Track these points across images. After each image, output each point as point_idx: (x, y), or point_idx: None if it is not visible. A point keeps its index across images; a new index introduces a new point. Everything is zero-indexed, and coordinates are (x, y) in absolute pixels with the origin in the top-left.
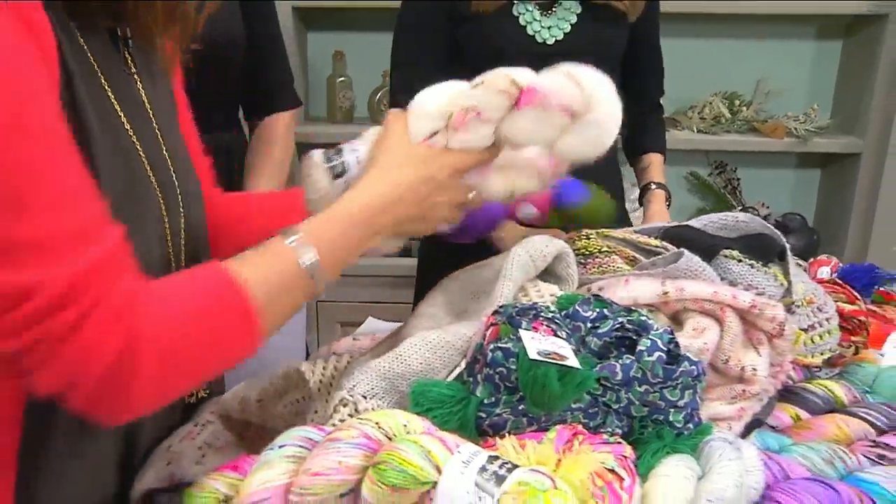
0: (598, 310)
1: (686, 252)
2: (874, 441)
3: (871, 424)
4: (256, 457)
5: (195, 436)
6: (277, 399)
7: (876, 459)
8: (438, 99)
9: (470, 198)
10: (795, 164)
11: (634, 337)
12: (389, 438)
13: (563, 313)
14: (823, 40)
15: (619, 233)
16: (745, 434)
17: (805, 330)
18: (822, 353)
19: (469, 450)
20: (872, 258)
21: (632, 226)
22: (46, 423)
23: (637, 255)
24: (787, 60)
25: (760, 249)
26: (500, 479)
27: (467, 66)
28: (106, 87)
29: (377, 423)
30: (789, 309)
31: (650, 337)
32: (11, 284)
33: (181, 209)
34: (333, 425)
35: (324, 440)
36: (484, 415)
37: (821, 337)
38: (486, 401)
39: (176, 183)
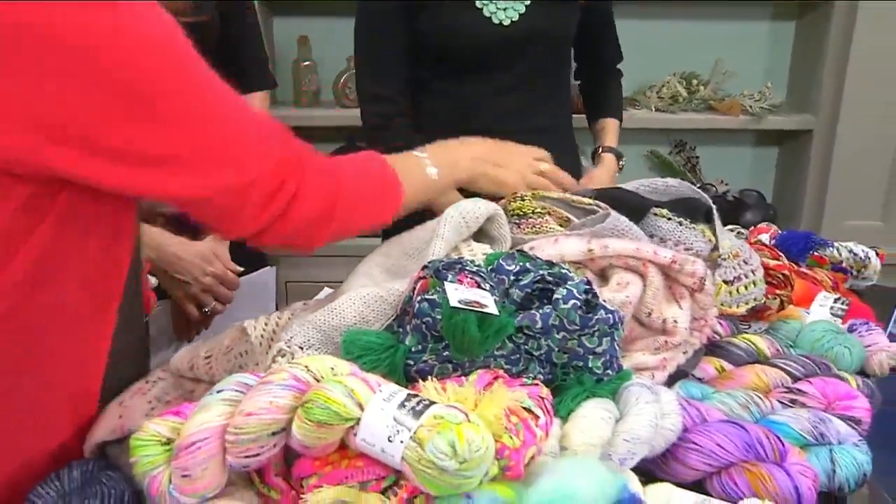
0: (521, 264)
1: (613, 212)
2: (788, 388)
3: (789, 374)
4: (196, 403)
5: (146, 391)
6: (223, 355)
7: (788, 404)
8: None
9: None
10: (753, 141)
11: (554, 288)
12: (318, 380)
13: (489, 268)
14: (778, 21)
15: (554, 194)
16: (669, 384)
17: (730, 282)
18: (746, 303)
19: (390, 388)
20: (826, 232)
21: None
22: None
23: (571, 217)
24: (743, 41)
25: (689, 210)
26: (417, 414)
27: (429, 54)
28: None
29: (306, 367)
30: (716, 262)
31: (567, 287)
32: (238, 184)
33: None
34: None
35: (257, 383)
36: (412, 362)
37: (746, 288)
38: (413, 349)
39: None
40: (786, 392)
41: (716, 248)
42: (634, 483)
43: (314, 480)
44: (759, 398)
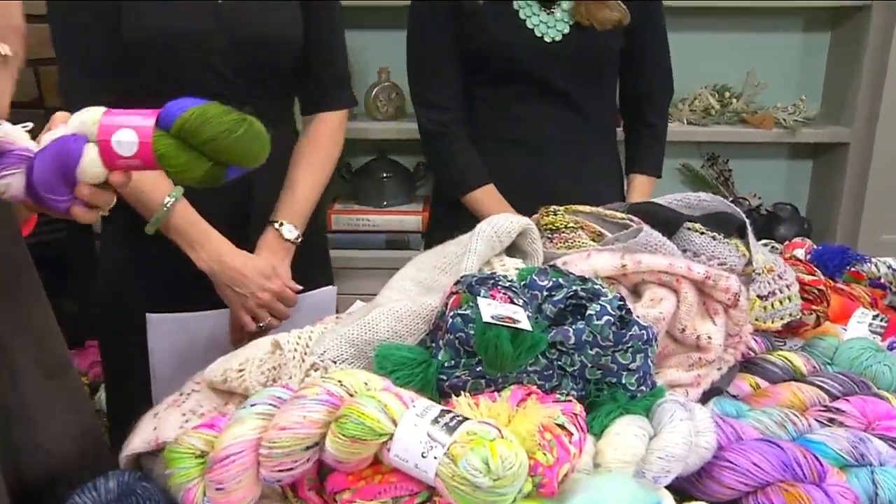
0: (554, 279)
1: (646, 227)
2: (826, 406)
3: (826, 391)
4: (230, 416)
5: (180, 403)
6: (256, 368)
7: (826, 423)
8: None
9: None
10: (787, 154)
11: (587, 304)
12: (351, 395)
13: (521, 283)
14: (811, 32)
15: (586, 208)
16: (703, 401)
17: (765, 297)
18: (781, 319)
19: (423, 404)
20: (863, 247)
21: None
22: None
23: (603, 231)
24: (775, 53)
25: (722, 225)
26: (450, 430)
27: (472, 62)
28: None
29: (340, 381)
30: (750, 277)
31: (600, 302)
32: None
33: None
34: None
35: (291, 397)
36: (444, 377)
37: (780, 303)
38: (446, 364)
39: None
40: (823, 411)
41: (749, 262)
42: (668, 501)
43: (347, 495)
44: (796, 416)
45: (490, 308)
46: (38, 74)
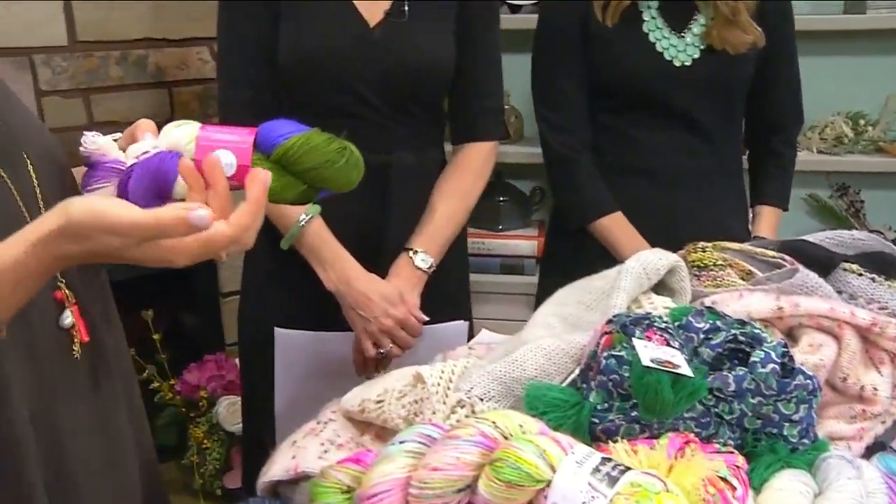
0: (710, 321)
1: (801, 268)
2: None
3: None
4: (378, 451)
5: (318, 432)
6: (395, 400)
7: None
8: None
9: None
10: None
11: (747, 349)
12: (506, 437)
13: (675, 324)
14: None
15: (735, 245)
16: (866, 456)
17: None
18: None
19: (583, 450)
20: None
21: None
22: None
23: (753, 270)
24: None
25: (880, 265)
26: (612, 480)
27: (596, 86)
28: None
29: (494, 423)
30: None
31: (764, 349)
32: None
33: (30, 167)
34: (451, 425)
35: (443, 437)
36: (597, 420)
37: None
38: (598, 406)
39: (20, 145)
40: None
41: None
42: None
43: None
44: None
45: (648, 350)
46: (172, 95)
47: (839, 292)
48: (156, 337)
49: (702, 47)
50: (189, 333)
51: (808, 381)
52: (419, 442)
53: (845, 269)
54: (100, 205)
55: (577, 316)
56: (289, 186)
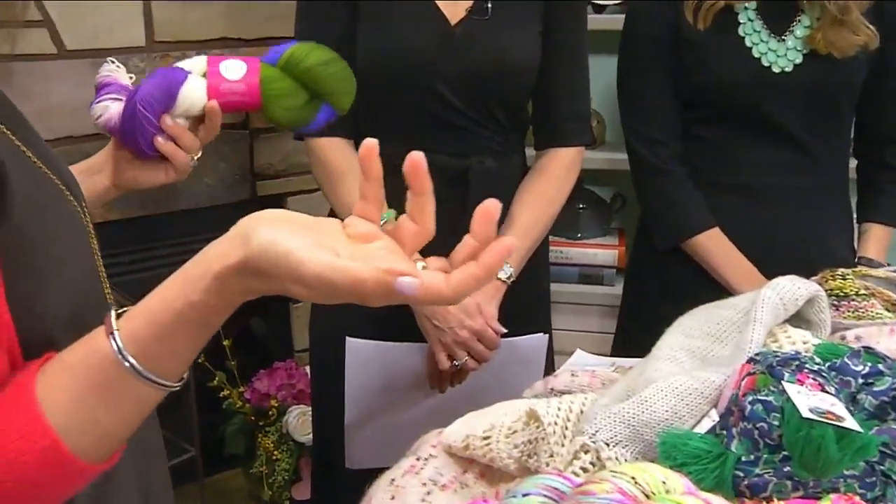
0: (870, 364)
1: None
2: None
3: None
4: (493, 501)
5: (419, 470)
6: (504, 438)
7: None
8: None
9: None
10: None
11: None
12: (647, 496)
13: (826, 365)
14: None
15: (879, 272)
16: None
17: None
18: None
19: None
20: None
21: None
22: None
23: None
24: None
25: None
26: None
27: (688, 96)
28: None
29: (633, 478)
30: None
31: None
32: None
33: (82, 211)
34: (574, 473)
35: (574, 492)
36: (741, 473)
37: None
38: (743, 458)
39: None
40: None
41: None
42: None
43: None
44: None
45: (804, 398)
46: None
47: None
48: (226, 343)
49: (804, 52)
50: (259, 340)
51: None
52: (545, 495)
53: None
54: (283, 243)
55: (706, 349)
56: (292, 91)
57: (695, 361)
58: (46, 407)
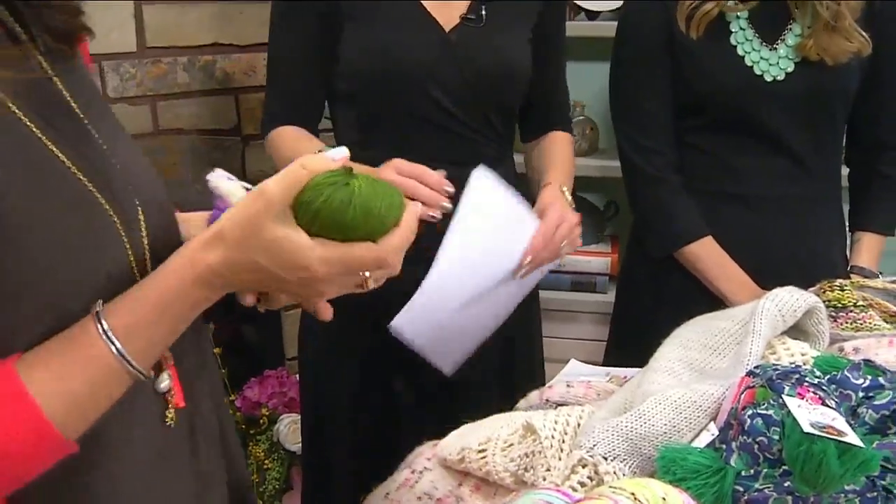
0: (870, 377)
1: None
2: None
3: None
4: None
5: (413, 484)
6: (502, 451)
7: None
8: None
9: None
10: None
11: None
12: None
13: (826, 378)
14: None
15: (877, 283)
16: None
17: None
18: None
19: None
20: None
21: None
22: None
23: None
24: None
25: None
26: None
27: (682, 103)
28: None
29: (633, 494)
30: None
31: None
32: None
33: (142, 221)
34: (572, 488)
35: None
36: (741, 488)
37: None
38: (743, 473)
39: (133, 194)
40: None
41: None
42: None
43: None
44: None
45: (805, 412)
46: (238, 102)
47: None
48: (216, 351)
49: (796, 60)
50: (250, 347)
51: None
52: None
53: None
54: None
55: (704, 361)
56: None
57: (693, 374)
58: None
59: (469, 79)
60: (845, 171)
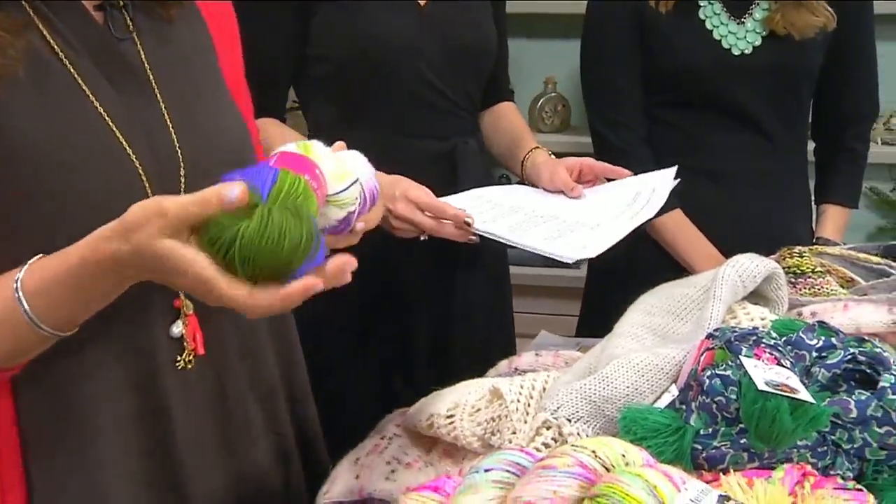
0: (823, 338)
1: None
2: None
3: None
4: (457, 478)
5: (382, 449)
6: (468, 416)
7: None
8: None
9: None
10: None
11: (867, 370)
12: (607, 469)
13: (783, 339)
14: None
15: (835, 250)
16: None
17: None
18: None
19: (696, 487)
20: None
21: None
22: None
23: (855, 277)
24: None
25: None
26: None
27: (651, 79)
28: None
29: (594, 451)
30: None
31: (893, 372)
32: None
33: (182, 179)
34: (537, 449)
35: (535, 467)
36: (699, 446)
37: None
38: (702, 431)
39: (179, 152)
40: None
41: None
42: None
43: None
44: None
45: (760, 372)
46: None
47: None
48: None
49: (763, 34)
50: None
51: None
52: (507, 471)
53: None
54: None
55: (666, 326)
56: None
57: (656, 338)
58: None
59: (451, 52)
60: (811, 145)
